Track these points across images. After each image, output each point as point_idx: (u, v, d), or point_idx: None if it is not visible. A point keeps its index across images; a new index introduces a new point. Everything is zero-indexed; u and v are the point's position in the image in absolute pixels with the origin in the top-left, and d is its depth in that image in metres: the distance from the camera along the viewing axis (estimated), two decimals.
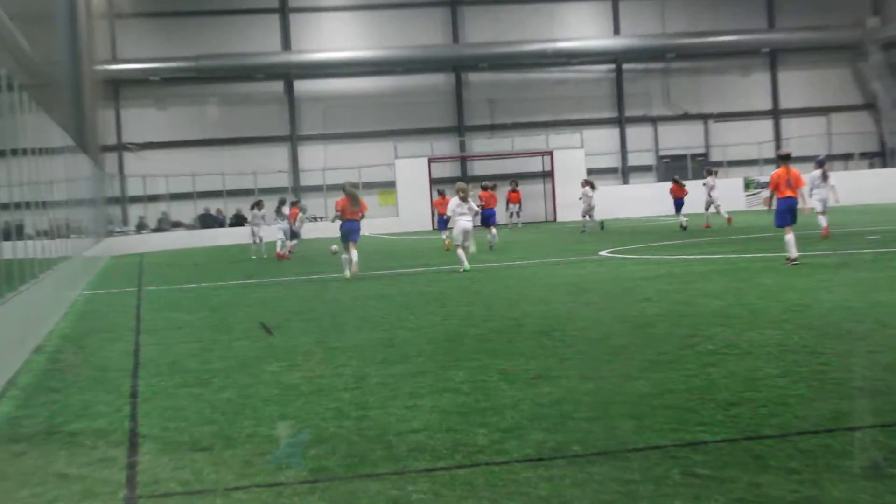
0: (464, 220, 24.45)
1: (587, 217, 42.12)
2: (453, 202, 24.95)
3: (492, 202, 34.22)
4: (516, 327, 13.36)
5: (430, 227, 56.58)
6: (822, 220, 27.51)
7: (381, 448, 7.37)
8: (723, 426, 7.48)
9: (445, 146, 61.49)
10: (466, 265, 23.56)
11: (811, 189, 27.43)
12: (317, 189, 58.59)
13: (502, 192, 53.97)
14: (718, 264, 21.54)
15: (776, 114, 66.05)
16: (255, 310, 17.95)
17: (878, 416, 7.61)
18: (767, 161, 60.66)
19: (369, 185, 56.65)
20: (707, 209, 38.76)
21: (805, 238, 27.16)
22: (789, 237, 19.97)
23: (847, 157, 63.44)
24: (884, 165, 63.65)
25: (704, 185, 38.99)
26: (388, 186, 58.14)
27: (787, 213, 20.32)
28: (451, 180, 61.06)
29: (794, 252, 19.78)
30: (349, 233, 24.04)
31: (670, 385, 8.95)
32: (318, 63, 60.60)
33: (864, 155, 64.46)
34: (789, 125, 65.50)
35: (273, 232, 36.36)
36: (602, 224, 43.22)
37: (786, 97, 65.98)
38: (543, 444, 7.26)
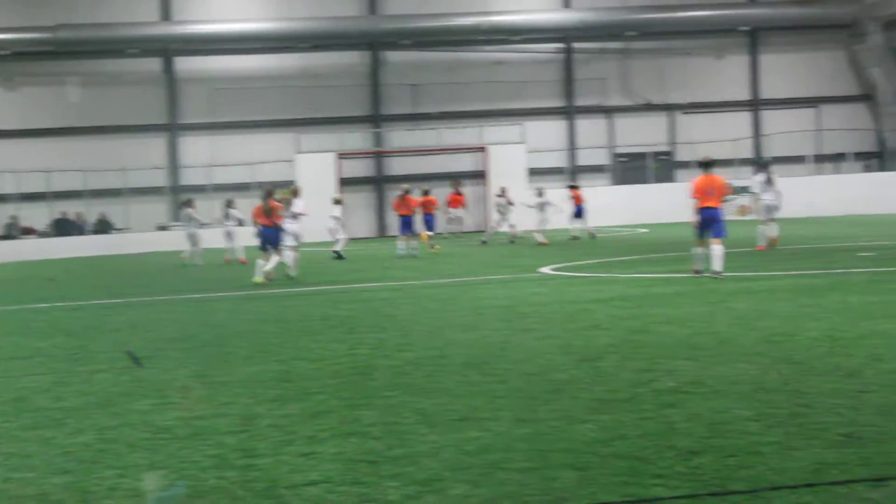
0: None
1: (497, 226, 46.01)
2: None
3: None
4: (438, 359, 13.38)
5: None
6: (766, 230, 30.96)
7: None
8: (683, 479, 7.54)
9: (358, 139, 61.50)
10: (258, 278, 27.64)
11: (758, 195, 32.07)
12: (200, 189, 58.02)
13: (442, 194, 54.31)
14: (683, 285, 21.71)
15: (756, 105, 66.77)
16: (122, 335, 17.80)
17: (868, 468, 7.68)
18: (745, 161, 61.30)
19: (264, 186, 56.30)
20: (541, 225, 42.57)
21: (781, 254, 27.53)
22: (698, 250, 22.82)
23: (838, 157, 63.93)
24: (881, 169, 64.17)
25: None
26: (287, 187, 57.78)
27: (704, 225, 22.47)
28: (364, 180, 61.28)
29: (698, 265, 22.72)
30: (262, 240, 28.27)
31: (621, 430, 9.00)
32: (203, 36, 60.29)
33: (858, 156, 64.98)
34: (771, 119, 66.24)
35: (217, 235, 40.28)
36: (486, 241, 45.02)
37: (768, 85, 66.71)
38: (467, 499, 7.28)
